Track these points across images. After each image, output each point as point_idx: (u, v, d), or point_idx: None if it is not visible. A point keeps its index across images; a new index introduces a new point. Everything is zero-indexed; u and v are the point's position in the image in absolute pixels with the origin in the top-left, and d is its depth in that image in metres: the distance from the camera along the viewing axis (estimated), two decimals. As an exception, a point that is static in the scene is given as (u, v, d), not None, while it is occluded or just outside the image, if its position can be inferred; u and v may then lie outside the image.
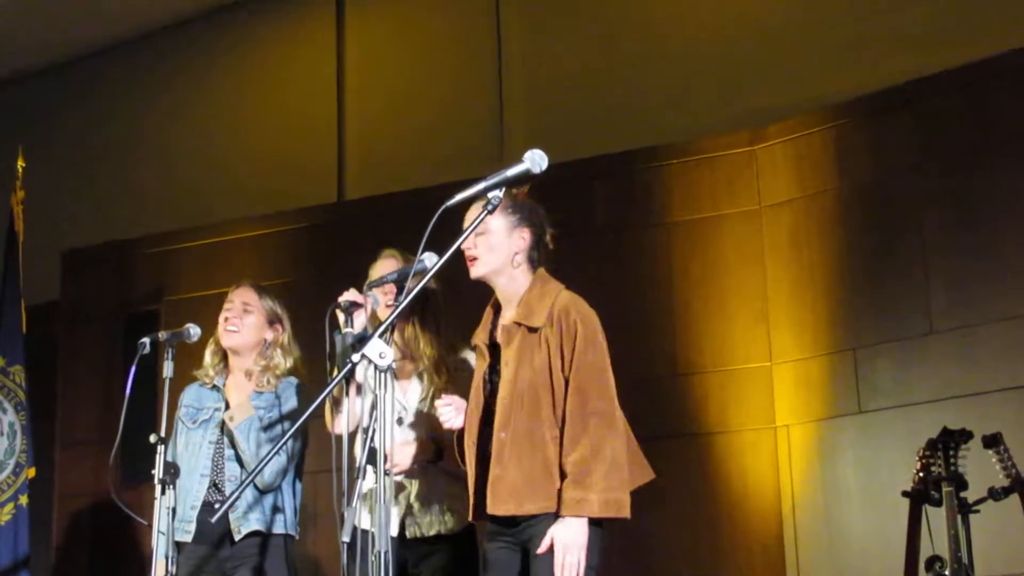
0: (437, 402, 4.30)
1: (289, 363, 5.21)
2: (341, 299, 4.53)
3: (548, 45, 7.84)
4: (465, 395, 4.31)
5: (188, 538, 4.99)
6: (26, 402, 7.52)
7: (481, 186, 3.64)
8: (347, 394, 4.55)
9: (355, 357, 3.47)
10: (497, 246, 4.15)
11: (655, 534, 6.28)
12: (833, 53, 6.92)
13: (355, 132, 8.38)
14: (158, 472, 4.82)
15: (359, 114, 8.40)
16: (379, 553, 3.43)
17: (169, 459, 4.88)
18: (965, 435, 4.98)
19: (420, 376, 4.76)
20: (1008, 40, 6.18)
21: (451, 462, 4.44)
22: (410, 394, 4.76)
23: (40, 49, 9.24)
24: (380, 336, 3.46)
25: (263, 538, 4.99)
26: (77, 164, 9.18)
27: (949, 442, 4.97)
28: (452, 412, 4.26)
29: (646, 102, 7.40)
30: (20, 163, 7.82)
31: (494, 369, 4.20)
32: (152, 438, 4.87)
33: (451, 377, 4.69)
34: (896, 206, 6.26)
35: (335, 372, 4.32)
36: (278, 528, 5.01)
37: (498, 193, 3.65)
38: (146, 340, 5.05)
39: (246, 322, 5.17)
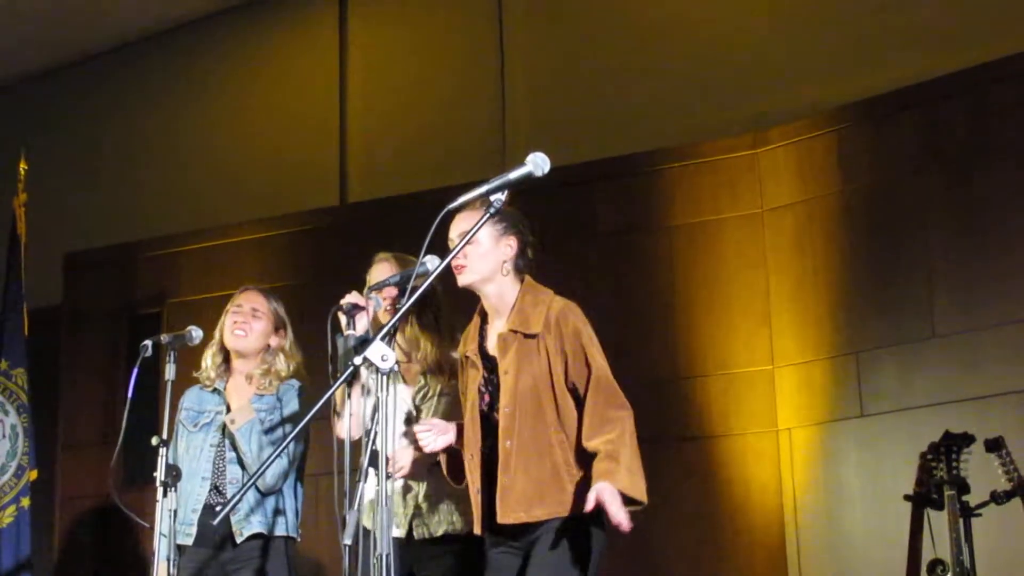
0: (416, 427, 4.29)
1: (291, 367, 5.21)
2: (343, 302, 4.53)
3: (551, 48, 7.84)
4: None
5: (189, 541, 4.99)
6: (28, 404, 7.53)
7: (483, 189, 3.64)
8: (349, 397, 4.55)
9: (357, 360, 3.47)
10: (485, 255, 4.15)
11: (658, 536, 6.28)
12: (836, 56, 6.92)
13: (358, 135, 8.38)
14: (160, 475, 4.82)
15: (362, 117, 8.40)
16: (380, 556, 3.43)
17: (170, 462, 4.88)
18: (967, 439, 4.98)
19: (423, 376, 4.76)
20: (1012, 43, 6.19)
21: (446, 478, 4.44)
22: (412, 394, 4.76)
23: (43, 51, 9.25)
24: (382, 339, 3.46)
25: (264, 540, 4.99)
26: (80, 166, 9.19)
27: (951, 446, 4.97)
28: (431, 437, 4.27)
29: (648, 105, 7.40)
30: (22, 165, 7.83)
31: (489, 380, 4.20)
32: (154, 441, 4.87)
33: (453, 376, 4.69)
34: (899, 210, 6.26)
35: (337, 375, 4.32)
36: (280, 530, 5.02)
37: (500, 196, 3.64)
38: (148, 343, 5.06)
39: (254, 327, 5.16)
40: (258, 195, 8.43)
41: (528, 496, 4.00)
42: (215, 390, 5.20)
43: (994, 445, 4.95)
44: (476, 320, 4.30)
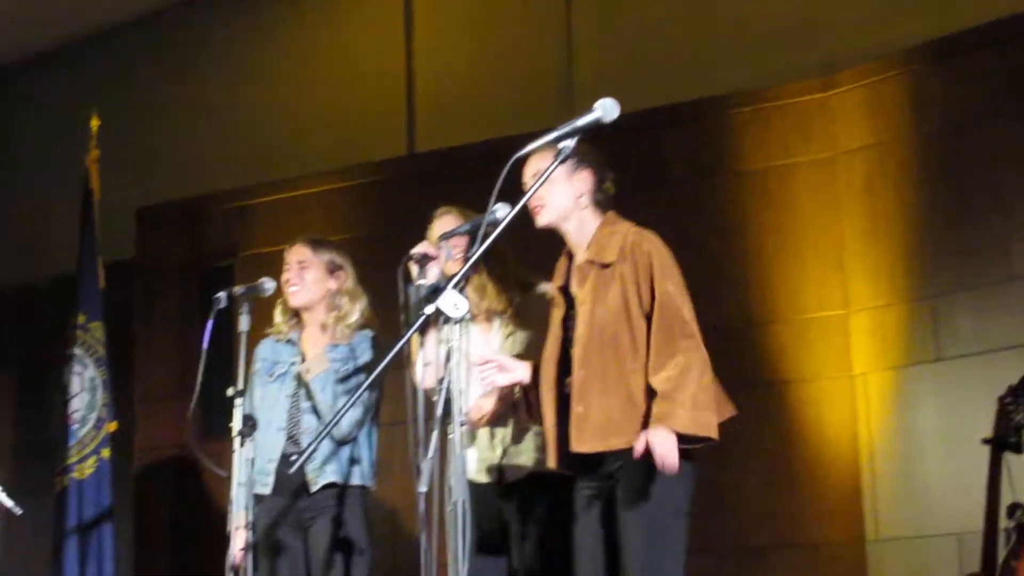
0: (477, 365, 4.30)
1: (358, 309, 5.23)
2: (414, 251, 4.55)
3: (619, -7, 7.79)
4: (541, 334, 4.32)
5: (267, 490, 5.06)
6: (106, 357, 7.64)
7: (551, 136, 3.63)
8: (422, 346, 4.58)
9: (429, 309, 3.49)
10: (560, 192, 4.16)
11: (731, 483, 6.28)
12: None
13: (425, 83, 8.36)
14: (236, 425, 4.88)
15: (428, 65, 8.38)
16: (457, 502, 3.45)
17: (246, 412, 4.93)
18: (1046, 381, 4.93)
19: (496, 322, 4.78)
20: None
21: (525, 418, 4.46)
22: (494, 342, 4.78)
23: (112, 8, 9.30)
24: (454, 287, 3.47)
25: (340, 490, 5.04)
26: (150, 122, 9.24)
27: (1030, 388, 4.92)
28: (492, 371, 4.28)
29: (717, 49, 7.32)
30: (95, 122, 7.91)
31: (569, 316, 4.19)
32: (229, 391, 4.92)
33: (527, 317, 4.71)
34: (974, 151, 6.16)
35: (409, 324, 4.34)
36: (355, 480, 5.06)
37: (569, 143, 3.63)
38: (222, 295, 5.11)
39: (305, 278, 5.19)
40: (325, 147, 8.43)
41: (602, 425, 3.99)
42: (290, 340, 5.25)
43: (1074, 386, 4.90)
44: (563, 259, 4.30)
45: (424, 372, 4.41)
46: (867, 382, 6.31)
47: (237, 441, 4.84)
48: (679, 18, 7.51)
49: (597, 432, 3.99)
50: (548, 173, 3.71)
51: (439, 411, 3.72)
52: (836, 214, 6.51)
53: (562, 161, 3.67)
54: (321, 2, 8.91)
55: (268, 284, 5.12)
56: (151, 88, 9.33)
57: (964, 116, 6.22)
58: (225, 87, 9.09)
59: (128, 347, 8.14)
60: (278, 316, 5.30)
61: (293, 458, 4.96)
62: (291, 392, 5.16)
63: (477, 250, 3.62)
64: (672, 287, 4.02)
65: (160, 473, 8.02)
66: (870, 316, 6.35)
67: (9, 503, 5.54)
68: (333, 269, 5.24)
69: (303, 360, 5.18)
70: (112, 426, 7.56)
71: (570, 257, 4.28)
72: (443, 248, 4.56)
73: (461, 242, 4.66)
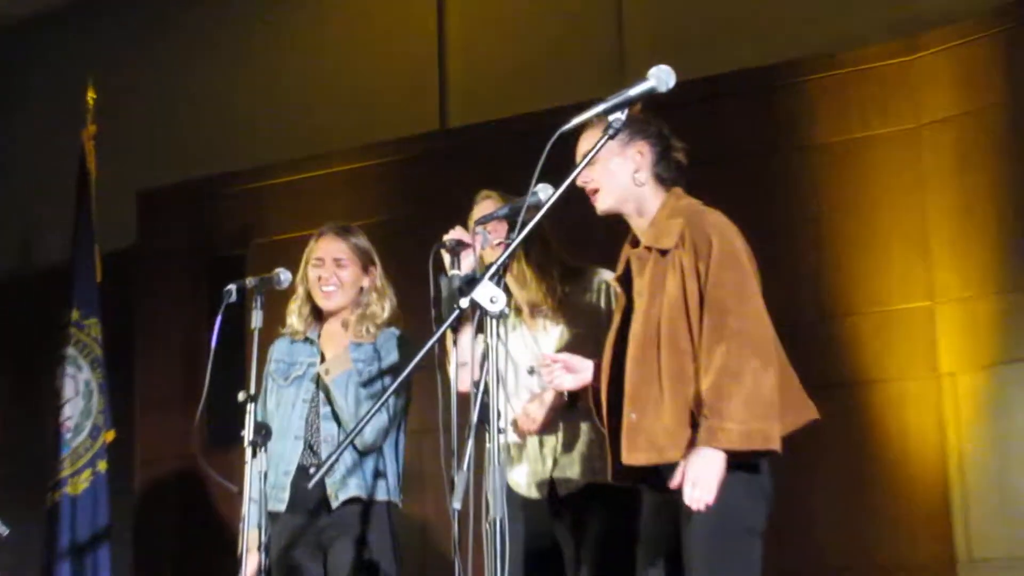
0: (538, 362, 4.27)
1: (387, 307, 5.21)
2: (446, 238, 4.54)
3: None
4: (596, 329, 4.29)
5: (282, 507, 5.04)
6: (103, 358, 7.65)
7: (600, 107, 3.61)
8: (456, 344, 4.57)
9: (463, 302, 3.47)
10: (613, 170, 4.10)
11: (802, 495, 6.24)
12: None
13: (458, 52, 8.34)
14: (248, 434, 4.85)
15: (462, 31, 8.36)
16: (494, 520, 3.43)
17: (259, 419, 4.92)
18: None
19: (542, 318, 4.76)
20: None
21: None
22: (542, 340, 4.76)
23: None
24: (491, 278, 3.45)
25: (363, 506, 5.02)
26: (154, 94, 9.25)
27: None
28: (558, 370, 4.23)
29: (785, 10, 7.29)
30: (91, 95, 7.92)
31: (629, 308, 4.12)
32: (240, 396, 4.91)
33: (575, 311, 4.69)
34: (1076, 121, 6.15)
35: (441, 319, 4.32)
36: (380, 495, 5.04)
37: (620, 116, 3.60)
38: (232, 287, 5.09)
39: (343, 278, 5.15)
40: (349, 122, 8.43)
41: (657, 435, 3.91)
42: (307, 339, 5.22)
43: None
44: (627, 245, 4.22)
45: (458, 374, 4.39)
46: (956, 383, 6.28)
47: (249, 452, 4.83)
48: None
49: (651, 443, 3.93)
50: (596, 150, 3.68)
51: (474, 417, 3.70)
52: (920, 193, 6.49)
53: (612, 136, 3.64)
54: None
55: (284, 275, 5.09)
56: (156, 57, 9.33)
57: (1064, 81, 6.19)
58: (237, 56, 9.08)
59: (127, 347, 8.17)
60: (293, 317, 5.25)
61: (312, 470, 4.96)
62: (309, 396, 5.14)
63: (517, 237, 3.59)
64: (731, 274, 3.89)
65: (163, 488, 8.04)
66: (959, 308, 6.32)
67: None
68: (367, 264, 5.21)
69: (322, 361, 5.16)
70: (109, 435, 7.58)
71: (635, 244, 4.21)
72: (479, 234, 4.55)
73: (499, 228, 4.65)
